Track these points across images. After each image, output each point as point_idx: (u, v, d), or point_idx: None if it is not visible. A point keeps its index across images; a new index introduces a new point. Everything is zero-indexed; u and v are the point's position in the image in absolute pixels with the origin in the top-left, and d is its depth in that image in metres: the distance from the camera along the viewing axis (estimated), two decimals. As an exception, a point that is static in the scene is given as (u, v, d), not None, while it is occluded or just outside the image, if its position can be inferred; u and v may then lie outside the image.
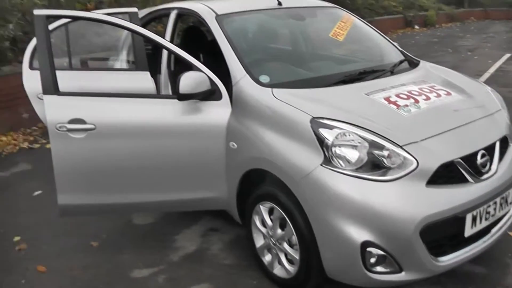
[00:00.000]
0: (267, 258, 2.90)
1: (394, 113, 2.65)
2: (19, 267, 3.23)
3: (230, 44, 3.12)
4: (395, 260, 2.36)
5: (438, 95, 2.89)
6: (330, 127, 2.47)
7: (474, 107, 2.91)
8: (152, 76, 3.64)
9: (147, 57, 3.59)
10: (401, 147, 2.42)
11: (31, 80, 3.73)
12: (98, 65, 4.61)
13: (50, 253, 3.40)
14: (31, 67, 3.82)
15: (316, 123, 2.50)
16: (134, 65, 3.81)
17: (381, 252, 2.35)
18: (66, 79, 3.41)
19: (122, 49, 4.38)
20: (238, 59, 3.04)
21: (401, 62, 3.44)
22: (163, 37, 3.86)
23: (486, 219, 2.57)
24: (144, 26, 4.55)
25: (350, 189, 2.35)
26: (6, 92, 5.52)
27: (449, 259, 2.47)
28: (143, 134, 2.98)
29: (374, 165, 2.39)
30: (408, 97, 2.79)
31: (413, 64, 3.52)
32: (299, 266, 2.63)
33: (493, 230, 2.69)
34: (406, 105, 2.71)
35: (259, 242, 2.93)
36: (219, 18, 3.32)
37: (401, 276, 2.40)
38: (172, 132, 2.98)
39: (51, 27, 3.96)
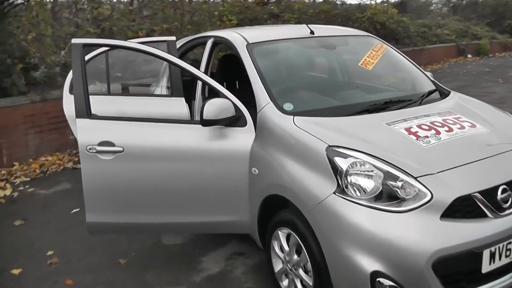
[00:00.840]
0: (285, 283, 2.90)
1: (412, 144, 2.62)
2: (49, 280, 3.38)
3: (257, 72, 3.20)
4: None
5: (462, 127, 2.84)
6: (345, 156, 2.48)
7: (498, 140, 2.83)
8: (188, 102, 3.77)
9: (187, 84, 3.72)
10: (415, 178, 2.39)
11: (71, 104, 3.93)
12: (140, 91, 4.80)
13: (79, 268, 3.54)
14: (71, 91, 4.04)
15: (331, 151, 2.52)
16: (170, 92, 3.97)
17: (392, 283, 2.30)
18: (103, 103, 3.62)
19: (163, 76, 4.56)
20: (264, 86, 3.11)
21: (430, 92, 3.41)
22: (200, 64, 4.02)
23: (507, 256, 2.47)
24: (184, 53, 4.76)
25: (362, 219, 2.34)
26: (55, 115, 5.80)
27: None
28: (170, 158, 3.08)
29: (388, 196, 2.38)
30: (430, 128, 2.75)
31: (444, 95, 3.48)
32: None
33: None
34: (426, 136, 2.68)
35: (277, 267, 2.94)
36: (249, 46, 3.42)
37: None
38: (198, 157, 3.06)
39: (95, 53, 4.23)
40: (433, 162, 2.52)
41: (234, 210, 3.14)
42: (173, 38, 4.09)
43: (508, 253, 2.47)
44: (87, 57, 4.11)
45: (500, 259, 2.45)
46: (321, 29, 3.78)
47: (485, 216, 2.43)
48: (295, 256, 2.74)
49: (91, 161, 3.06)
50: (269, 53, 3.50)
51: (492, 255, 2.41)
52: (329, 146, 2.55)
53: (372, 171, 2.41)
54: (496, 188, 2.48)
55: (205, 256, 3.64)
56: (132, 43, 3.59)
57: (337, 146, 2.54)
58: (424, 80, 3.66)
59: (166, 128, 3.15)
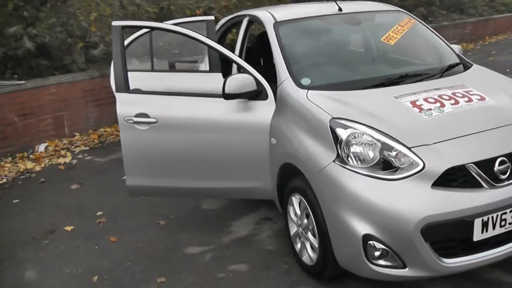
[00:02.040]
0: (298, 245, 3.12)
1: (414, 116, 2.73)
2: (96, 236, 3.81)
3: (280, 48, 3.40)
4: (398, 256, 2.46)
5: (470, 100, 2.88)
6: (345, 127, 2.64)
7: (505, 113, 2.84)
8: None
9: (229, 61, 3.96)
10: (409, 148, 2.51)
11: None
12: (185, 67, 5.09)
13: (124, 227, 3.95)
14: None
15: (334, 122, 2.70)
16: (209, 67, 4.24)
17: (383, 247, 2.47)
18: (146, 79, 3.96)
19: (206, 53, 4.84)
20: (285, 62, 3.30)
21: (451, 66, 3.45)
22: (236, 42, 4.25)
23: (501, 226, 2.53)
24: (225, 32, 5.00)
25: (356, 186, 2.51)
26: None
27: (457, 262, 2.50)
28: (199, 129, 3.36)
29: (383, 165, 2.52)
30: (436, 101, 2.83)
31: (466, 68, 3.51)
32: (318, 254, 2.84)
33: None
34: (430, 109, 2.77)
35: (292, 230, 3.18)
36: (276, 24, 3.61)
37: (405, 272, 2.49)
38: (225, 128, 3.32)
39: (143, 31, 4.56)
40: (430, 133, 2.62)
41: (257, 177, 3.38)
42: (212, 17, 4.33)
43: (503, 223, 2.53)
44: (139, 33, 4.48)
45: (494, 228, 2.51)
46: (349, 6, 3.87)
47: (481, 186, 2.50)
48: (305, 220, 2.96)
49: (129, 130, 3.40)
50: (294, 31, 3.67)
51: (485, 224, 2.48)
52: (333, 117, 2.73)
53: (369, 141, 2.57)
54: (493, 160, 2.54)
55: (236, 220, 3.93)
56: (168, 25, 3.86)
57: (340, 118, 2.71)
58: (448, 54, 3.68)
59: (196, 102, 3.43)
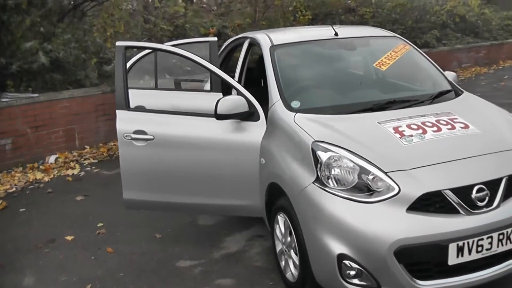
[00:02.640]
0: (283, 263, 3.22)
1: (394, 142, 2.82)
2: (94, 247, 3.96)
3: (274, 71, 3.55)
4: (372, 276, 2.55)
5: (453, 128, 2.96)
6: (326, 150, 2.76)
7: (488, 142, 2.92)
8: None
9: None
10: (385, 173, 2.62)
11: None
12: (190, 86, 5.25)
13: (121, 239, 4.10)
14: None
15: (316, 145, 2.82)
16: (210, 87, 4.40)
17: (357, 266, 2.56)
18: (149, 97, 4.15)
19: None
20: (277, 84, 3.45)
21: (441, 93, 3.54)
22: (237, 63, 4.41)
23: (478, 251, 2.59)
24: (229, 53, 5.17)
25: (334, 207, 2.62)
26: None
27: (431, 285, 2.56)
28: (193, 146, 3.50)
29: (361, 188, 2.63)
30: (418, 128, 2.92)
31: (457, 95, 3.60)
32: (298, 271, 2.94)
33: (498, 267, 2.68)
34: (411, 135, 2.86)
35: (278, 247, 3.27)
36: (272, 47, 3.76)
37: None
38: (217, 146, 3.46)
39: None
40: (408, 159, 2.71)
41: (247, 195, 3.50)
42: (215, 38, 4.50)
43: (479, 249, 2.60)
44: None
45: (470, 253, 2.58)
46: (346, 30, 4.01)
47: (457, 212, 2.58)
48: (289, 238, 3.06)
49: (127, 146, 3.56)
50: (289, 54, 3.81)
51: (460, 249, 2.55)
52: (315, 140, 2.85)
53: (348, 165, 2.67)
54: (471, 187, 2.61)
55: (229, 236, 4.05)
56: (170, 46, 4.03)
57: (321, 141, 2.83)
58: (440, 81, 3.77)
59: (191, 120, 3.58)
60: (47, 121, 6.07)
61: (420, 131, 2.92)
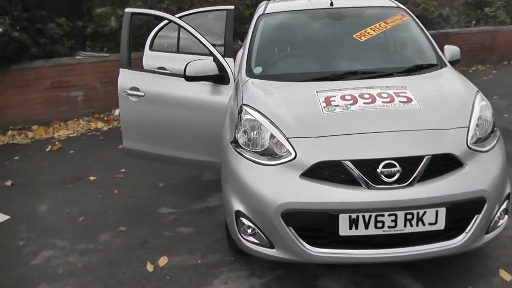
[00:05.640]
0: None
1: (316, 110, 2.84)
2: (106, 188, 4.59)
3: (250, 38, 3.73)
4: (265, 236, 2.69)
5: (391, 101, 2.86)
6: (246, 113, 2.91)
7: (423, 119, 2.79)
8: None
9: None
10: (287, 138, 2.70)
11: (149, 59, 4.99)
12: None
13: (130, 183, 4.66)
14: (151, 48, 5.08)
15: (241, 108, 2.98)
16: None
17: (250, 224, 2.72)
18: (163, 59, 4.56)
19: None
20: (248, 51, 3.62)
21: (420, 67, 3.42)
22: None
23: (377, 227, 2.55)
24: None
25: (238, 167, 2.79)
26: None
27: (322, 252, 2.61)
28: (177, 105, 3.85)
29: (266, 151, 2.74)
30: (352, 99, 2.89)
31: (438, 68, 3.45)
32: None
33: (408, 249, 2.62)
34: (337, 105, 2.84)
35: None
36: (261, 16, 3.92)
37: (273, 252, 2.71)
38: (196, 106, 3.77)
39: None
40: (319, 128, 2.73)
41: (216, 153, 3.73)
42: (232, 7, 4.71)
43: (379, 225, 2.54)
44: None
45: (366, 228, 2.54)
46: (342, 1, 3.97)
47: (358, 185, 2.55)
48: None
49: (124, 100, 4.03)
50: (274, 23, 3.90)
51: (354, 222, 2.53)
52: (243, 104, 3.01)
53: (259, 129, 2.81)
54: (377, 161, 2.55)
55: (220, 192, 4.30)
56: (166, 14, 4.36)
57: (247, 105, 2.98)
58: (426, 55, 3.59)
59: (177, 81, 3.89)
60: (114, 78, 6.77)
61: (351, 102, 2.89)
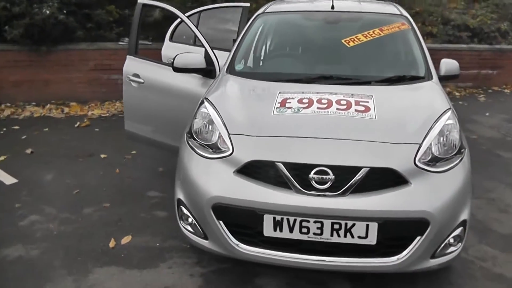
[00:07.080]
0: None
1: (266, 111, 2.89)
2: (111, 166, 4.85)
3: (242, 36, 3.81)
4: (199, 226, 2.78)
5: (347, 108, 2.85)
6: (203, 107, 3.02)
7: (372, 130, 2.73)
8: None
9: None
10: (228, 134, 2.76)
11: (168, 49, 5.20)
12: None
13: (133, 165, 4.91)
14: (171, 39, 5.28)
15: (202, 101, 3.09)
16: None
17: (187, 212, 2.82)
18: (179, 50, 4.74)
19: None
20: (236, 48, 3.70)
21: (402, 78, 3.34)
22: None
23: (303, 232, 2.55)
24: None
25: (185, 157, 2.91)
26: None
27: (248, 250, 2.66)
28: (171, 94, 4.04)
29: (214, 145, 2.82)
30: (307, 103, 2.91)
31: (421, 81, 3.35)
32: None
33: (333, 259, 2.61)
34: (290, 107, 2.88)
35: None
36: (259, 15, 3.99)
37: (206, 243, 2.80)
38: (186, 96, 3.92)
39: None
40: (263, 127, 2.78)
41: None
42: (247, 4, 4.80)
43: (304, 230, 2.55)
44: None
45: (291, 231, 2.56)
46: (345, 5, 3.93)
47: (288, 188, 2.57)
48: None
49: (127, 85, 4.27)
50: (270, 22, 3.98)
51: (278, 224, 2.56)
52: (205, 98, 3.10)
53: (211, 123, 2.90)
54: (310, 167, 2.54)
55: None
56: (173, 8, 4.49)
57: (207, 99, 3.07)
58: (414, 67, 3.49)
59: (174, 72, 4.07)
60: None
61: (306, 105, 2.90)
